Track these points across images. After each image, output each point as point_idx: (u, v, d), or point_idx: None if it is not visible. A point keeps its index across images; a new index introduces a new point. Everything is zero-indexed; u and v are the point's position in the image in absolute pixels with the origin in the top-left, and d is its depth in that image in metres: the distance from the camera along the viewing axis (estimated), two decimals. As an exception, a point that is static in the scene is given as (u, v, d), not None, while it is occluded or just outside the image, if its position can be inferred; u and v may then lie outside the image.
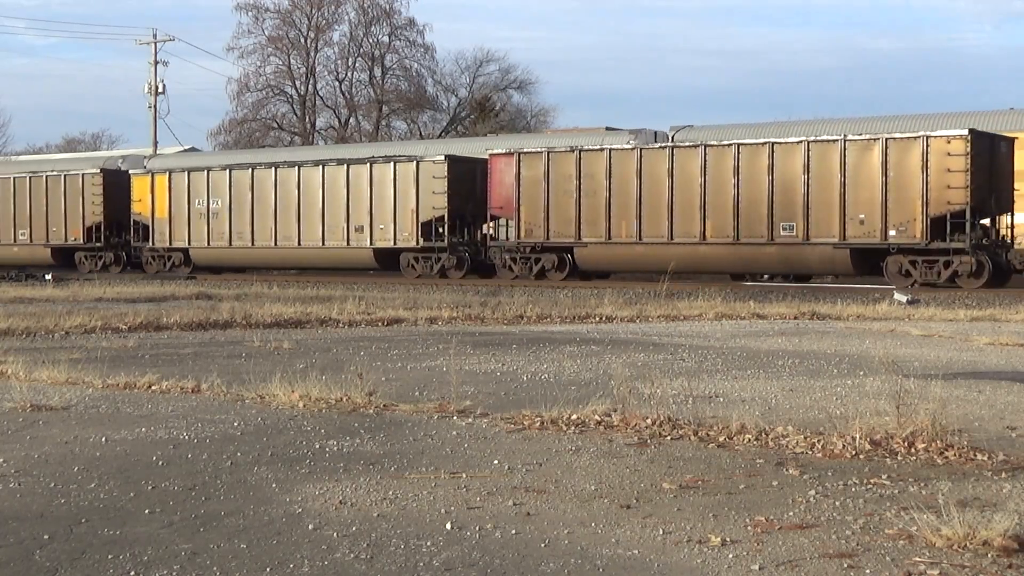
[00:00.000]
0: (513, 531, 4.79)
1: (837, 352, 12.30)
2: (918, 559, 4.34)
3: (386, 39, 70.92)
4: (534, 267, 32.06)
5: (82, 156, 59.46)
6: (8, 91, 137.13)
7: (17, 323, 14.64)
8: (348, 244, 35.03)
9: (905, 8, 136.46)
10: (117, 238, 40.54)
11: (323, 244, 35.57)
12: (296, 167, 36.63)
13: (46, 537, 4.72)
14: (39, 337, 13.88)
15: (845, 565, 4.29)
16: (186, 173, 38.67)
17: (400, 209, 33.97)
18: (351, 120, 71.72)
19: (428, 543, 4.61)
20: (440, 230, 33.48)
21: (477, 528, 4.83)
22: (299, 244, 36.14)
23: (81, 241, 40.69)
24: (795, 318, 17.83)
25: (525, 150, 32.35)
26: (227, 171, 37.77)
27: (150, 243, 39.02)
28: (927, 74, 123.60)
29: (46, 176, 41.74)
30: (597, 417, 7.28)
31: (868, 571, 4.23)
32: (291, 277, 34.76)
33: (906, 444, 6.33)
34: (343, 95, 71.77)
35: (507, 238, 32.94)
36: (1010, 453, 6.31)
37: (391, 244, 34.30)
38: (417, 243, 33.79)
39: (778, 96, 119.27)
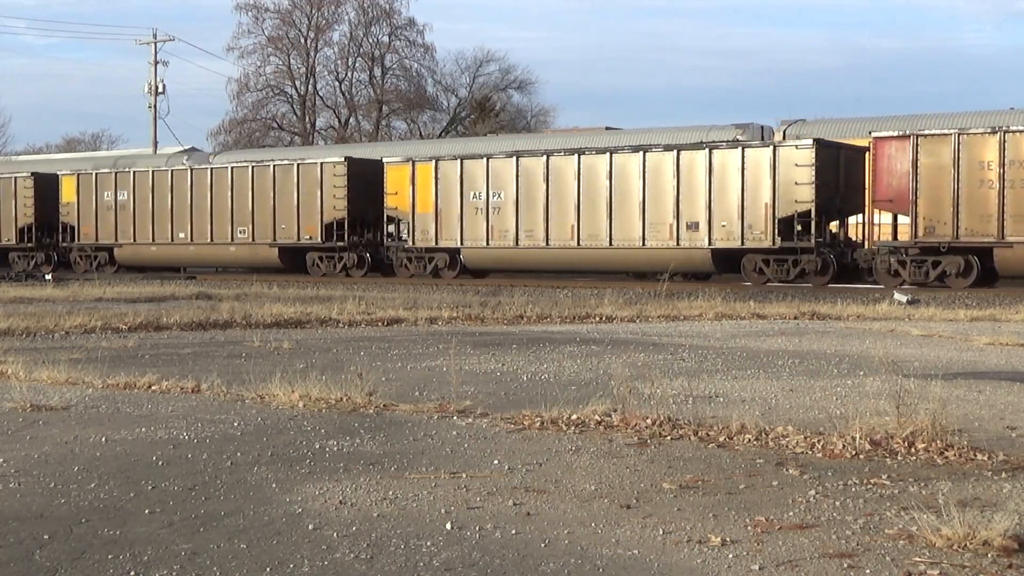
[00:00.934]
0: (513, 531, 4.79)
1: (837, 352, 12.30)
2: (918, 559, 4.34)
3: (386, 39, 70.97)
4: (932, 270, 26.65)
5: (84, 156, 59.40)
6: (8, 91, 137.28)
7: (17, 323, 14.64)
8: (678, 244, 29.41)
9: (906, 8, 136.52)
10: (360, 236, 35.45)
11: (642, 244, 29.95)
12: (608, 153, 30.89)
13: (46, 537, 4.72)
14: (39, 337, 13.88)
15: (845, 565, 4.29)
16: (458, 161, 33.09)
17: (749, 202, 28.54)
18: (351, 120, 71.73)
19: (428, 543, 4.61)
20: (799, 228, 28.17)
21: (477, 528, 4.83)
22: (610, 243, 30.44)
23: (318, 240, 35.35)
24: (795, 318, 17.82)
25: (924, 132, 26.79)
26: (514, 158, 32.25)
27: (410, 241, 33.75)
28: (928, 74, 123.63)
29: (273, 165, 36.68)
30: (597, 417, 7.28)
31: (868, 571, 4.23)
32: (289, 278, 34.55)
33: (906, 444, 6.33)
34: (343, 95, 71.80)
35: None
36: (1010, 453, 6.31)
37: (737, 244, 28.90)
38: (774, 243, 28.30)
39: (779, 96, 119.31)
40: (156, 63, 64.69)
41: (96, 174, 40.23)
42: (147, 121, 64.91)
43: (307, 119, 71.04)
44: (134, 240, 38.83)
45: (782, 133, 34.11)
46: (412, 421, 7.46)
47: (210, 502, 5.30)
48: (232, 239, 36.77)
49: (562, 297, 22.92)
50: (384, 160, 34.91)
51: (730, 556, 4.42)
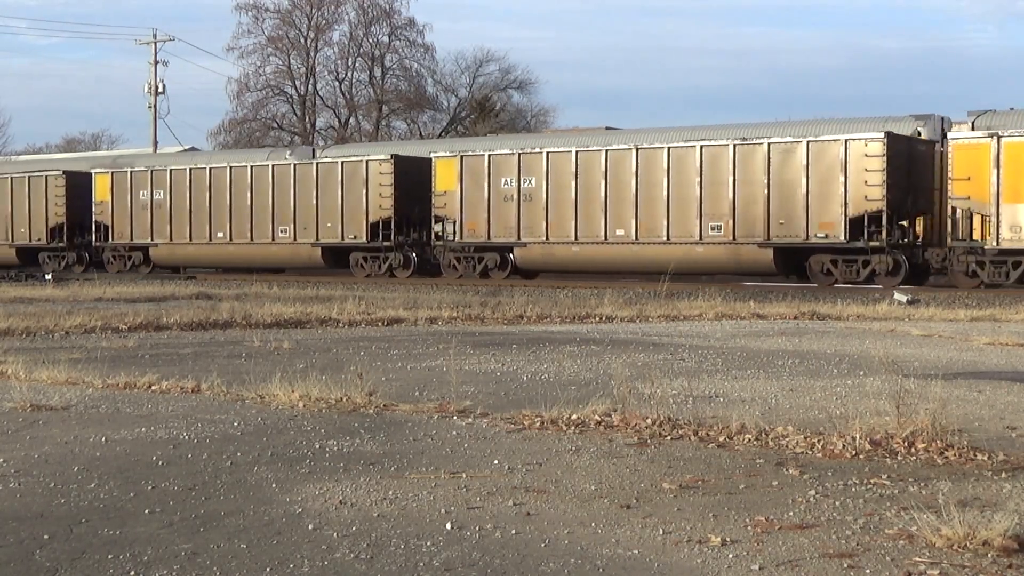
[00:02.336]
0: (513, 531, 4.79)
1: (837, 352, 12.30)
2: (918, 559, 4.34)
3: (386, 39, 70.95)
4: None
5: (83, 156, 59.38)
6: (9, 91, 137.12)
7: (17, 323, 14.64)
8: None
9: (909, 8, 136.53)
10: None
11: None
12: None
13: (46, 537, 4.72)
14: (39, 337, 13.88)
15: (845, 565, 4.29)
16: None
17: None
18: (351, 120, 71.73)
19: (428, 543, 4.61)
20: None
21: (477, 528, 4.83)
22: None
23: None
24: (795, 318, 17.82)
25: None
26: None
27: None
28: (930, 74, 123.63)
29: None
30: (597, 417, 7.28)
31: (868, 571, 4.23)
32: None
33: (906, 444, 6.33)
34: (343, 95, 71.79)
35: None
36: (1010, 453, 6.31)
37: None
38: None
39: (781, 96, 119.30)
40: (156, 63, 64.73)
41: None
42: (147, 121, 64.97)
43: (307, 119, 71.03)
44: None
45: (970, 124, 30.61)
46: (412, 421, 7.46)
47: (210, 502, 5.30)
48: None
49: (562, 297, 22.92)
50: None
51: (730, 556, 4.42)
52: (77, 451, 6.49)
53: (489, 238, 31.88)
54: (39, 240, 41.02)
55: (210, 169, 37.68)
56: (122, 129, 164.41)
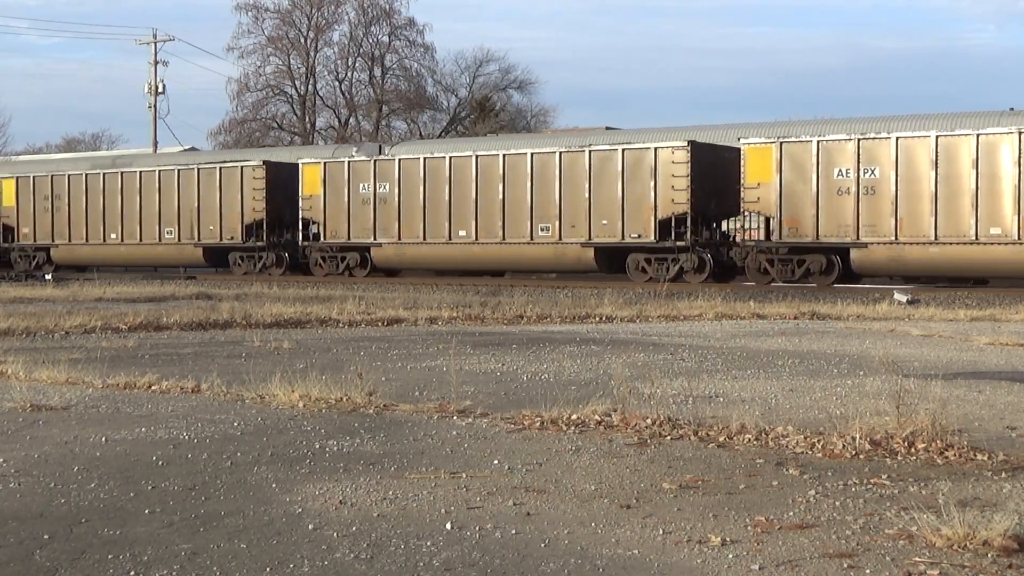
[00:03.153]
0: (513, 531, 4.79)
1: (837, 352, 12.30)
2: (918, 559, 4.34)
3: (386, 39, 70.96)
4: None
5: (83, 156, 59.39)
6: (10, 91, 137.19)
7: (17, 323, 14.64)
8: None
9: (909, 8, 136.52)
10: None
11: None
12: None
13: (46, 537, 4.72)
14: (39, 337, 13.88)
15: (845, 565, 4.29)
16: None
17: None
18: (351, 120, 71.74)
19: (428, 543, 4.61)
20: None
21: (477, 528, 4.83)
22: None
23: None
24: (795, 318, 17.82)
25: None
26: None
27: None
28: (931, 74, 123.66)
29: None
30: (597, 417, 7.28)
31: (868, 571, 4.23)
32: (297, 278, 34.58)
33: (906, 444, 6.33)
34: (343, 95, 71.80)
35: None
36: (1010, 453, 6.31)
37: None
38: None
39: (781, 96, 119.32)
40: (156, 63, 64.73)
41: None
42: (147, 121, 64.98)
43: (307, 119, 71.04)
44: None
45: None
46: (412, 421, 7.46)
47: (210, 502, 5.30)
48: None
49: (562, 297, 22.92)
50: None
51: (730, 556, 4.42)
52: (77, 451, 6.49)
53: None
54: (231, 238, 37.03)
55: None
56: (122, 129, 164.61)
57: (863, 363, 11.00)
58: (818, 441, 6.50)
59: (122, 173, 39.11)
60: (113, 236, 38.56)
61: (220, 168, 36.90)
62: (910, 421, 6.50)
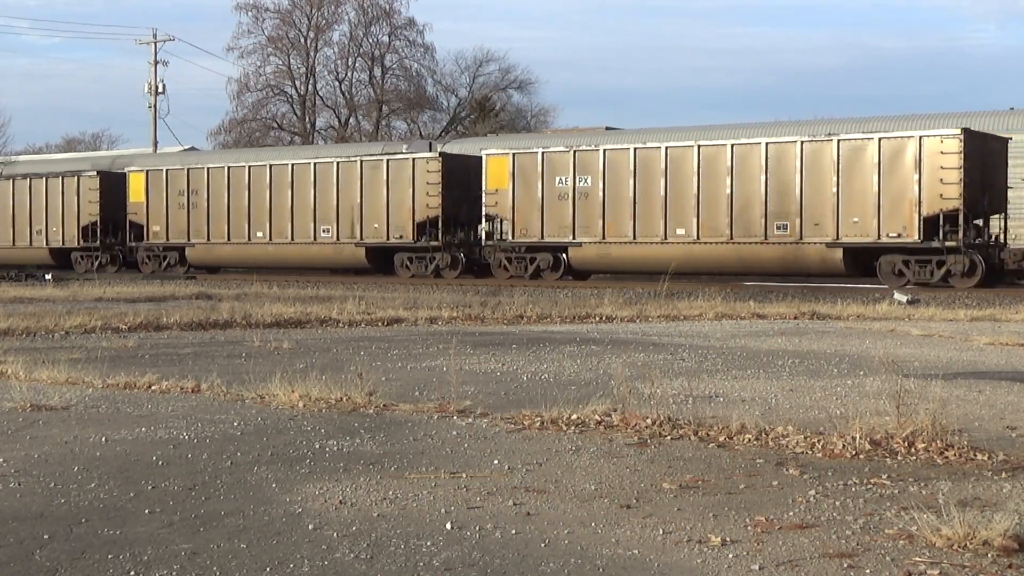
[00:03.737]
0: (513, 531, 4.79)
1: (837, 352, 12.30)
2: (918, 559, 4.34)
3: (386, 39, 70.95)
4: None
5: (83, 156, 59.34)
6: (11, 91, 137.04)
7: (17, 323, 14.64)
8: None
9: (909, 7, 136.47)
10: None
11: None
12: None
13: (46, 537, 4.72)
14: (39, 337, 13.88)
15: (845, 565, 4.29)
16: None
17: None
18: (351, 120, 71.75)
19: (428, 543, 4.61)
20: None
21: (477, 528, 4.83)
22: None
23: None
24: (795, 318, 17.83)
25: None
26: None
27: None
28: (932, 74, 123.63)
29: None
30: (597, 417, 7.28)
31: (868, 571, 4.23)
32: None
33: (906, 444, 6.33)
34: (343, 95, 71.79)
35: None
36: (1010, 453, 6.31)
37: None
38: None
39: (782, 96, 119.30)
40: (156, 63, 64.75)
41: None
42: (147, 121, 64.99)
43: (307, 119, 71.04)
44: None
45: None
46: (412, 421, 7.46)
47: (210, 502, 5.30)
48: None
49: (562, 297, 22.93)
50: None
51: (730, 556, 4.42)
52: (77, 451, 6.49)
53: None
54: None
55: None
56: (122, 129, 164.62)
57: (863, 363, 11.00)
58: (818, 441, 6.50)
59: (271, 165, 36.54)
60: (259, 234, 35.96)
61: (388, 160, 34.45)
62: (910, 421, 6.50)
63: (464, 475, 5.83)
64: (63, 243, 40.81)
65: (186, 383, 8.99)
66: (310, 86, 70.78)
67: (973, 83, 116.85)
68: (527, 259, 31.76)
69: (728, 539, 4.63)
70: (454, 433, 7.02)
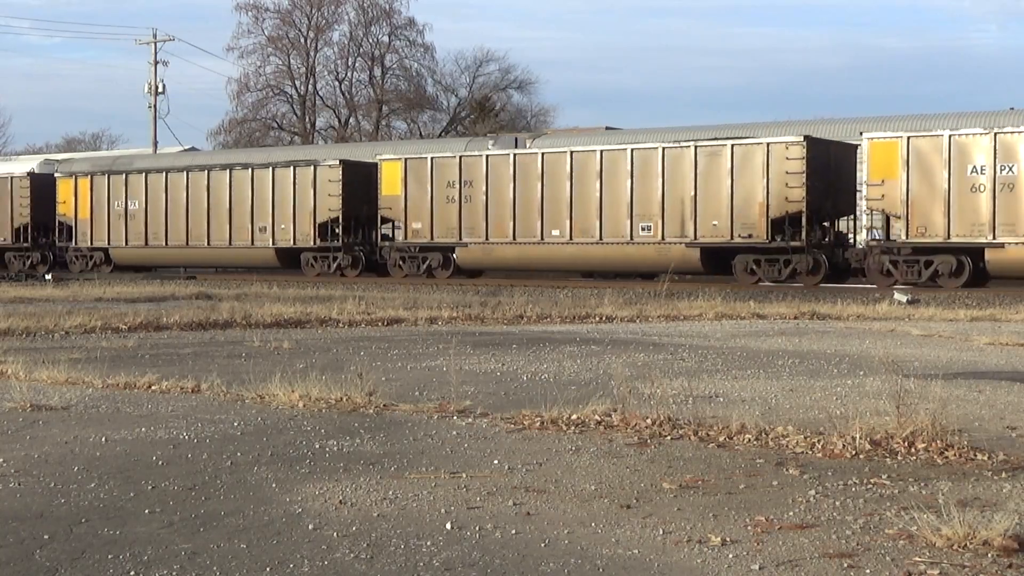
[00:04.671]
0: (513, 531, 4.79)
1: (837, 352, 12.30)
2: (918, 559, 4.34)
3: (386, 39, 71.01)
4: None
5: (83, 156, 59.35)
6: (12, 91, 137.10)
7: (17, 323, 14.64)
8: None
9: (910, 7, 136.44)
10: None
11: None
12: None
13: (46, 537, 4.72)
14: (39, 337, 13.88)
15: (845, 565, 4.29)
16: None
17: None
18: (351, 120, 71.74)
19: (428, 543, 4.61)
20: None
21: (477, 528, 4.83)
22: None
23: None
24: (795, 318, 17.83)
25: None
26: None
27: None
28: (933, 74, 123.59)
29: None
30: (597, 417, 7.28)
31: (868, 571, 4.23)
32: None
33: (906, 444, 6.33)
34: (343, 95, 71.83)
35: None
36: (1010, 453, 6.31)
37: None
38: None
39: (783, 95, 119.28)
40: (156, 63, 64.73)
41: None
42: (147, 121, 64.96)
43: (307, 119, 71.07)
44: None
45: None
46: (412, 421, 7.46)
47: (210, 502, 5.30)
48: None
49: (562, 297, 22.93)
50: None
51: (730, 556, 4.42)
52: (77, 451, 6.49)
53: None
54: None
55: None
56: (122, 129, 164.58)
57: (863, 363, 11.00)
58: (818, 441, 6.50)
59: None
60: (555, 232, 31.31)
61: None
62: (910, 421, 6.50)
63: (464, 475, 5.83)
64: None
65: (186, 383, 8.99)
66: (310, 86, 70.84)
67: (974, 83, 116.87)
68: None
69: (728, 539, 4.63)
70: (454, 433, 7.02)
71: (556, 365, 10.97)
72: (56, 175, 41.97)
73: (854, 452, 6.26)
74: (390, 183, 34.10)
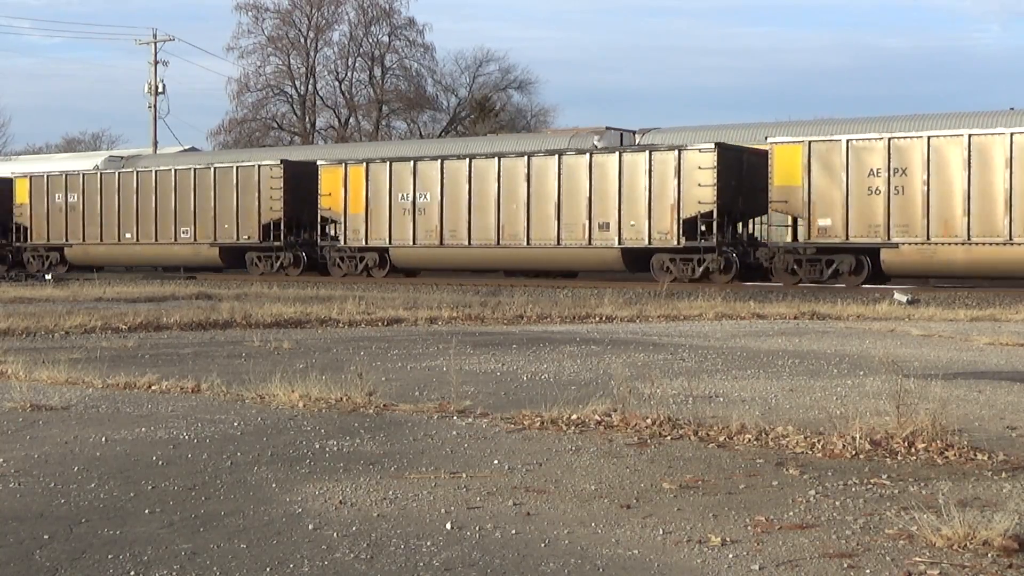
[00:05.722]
0: (513, 531, 4.79)
1: (837, 352, 12.30)
2: (918, 559, 4.34)
3: (386, 39, 71.00)
4: None
5: (84, 156, 59.30)
6: (13, 91, 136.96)
7: (17, 323, 14.64)
8: None
9: (912, 7, 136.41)
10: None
11: None
12: None
13: (46, 537, 4.72)
14: (39, 337, 13.88)
15: (845, 565, 4.29)
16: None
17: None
18: (351, 120, 71.74)
19: (428, 543, 4.61)
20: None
21: (477, 528, 4.83)
22: None
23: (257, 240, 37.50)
24: (795, 318, 17.83)
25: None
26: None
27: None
28: (934, 73, 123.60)
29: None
30: (597, 417, 7.28)
31: (868, 571, 4.23)
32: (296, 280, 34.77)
33: (906, 444, 6.33)
34: (343, 95, 71.82)
35: None
36: (1010, 453, 6.31)
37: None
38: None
39: (783, 95, 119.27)
40: (156, 63, 64.72)
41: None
42: (147, 121, 64.93)
43: (307, 119, 71.06)
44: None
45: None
46: (412, 421, 7.46)
47: (210, 502, 5.30)
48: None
49: (562, 297, 22.93)
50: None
51: (730, 556, 4.42)
52: (77, 451, 6.49)
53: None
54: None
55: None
56: (122, 129, 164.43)
57: (863, 363, 11.00)
58: (818, 441, 6.50)
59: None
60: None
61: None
62: (910, 421, 6.50)
63: (464, 475, 5.83)
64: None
65: (186, 383, 8.99)
66: (310, 86, 70.84)
67: (975, 83, 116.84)
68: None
69: (728, 539, 4.63)
70: (454, 433, 7.02)
71: (556, 365, 10.97)
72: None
73: (854, 452, 6.26)
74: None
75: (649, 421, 7.08)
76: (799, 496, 5.34)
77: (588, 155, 30.84)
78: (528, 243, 31.54)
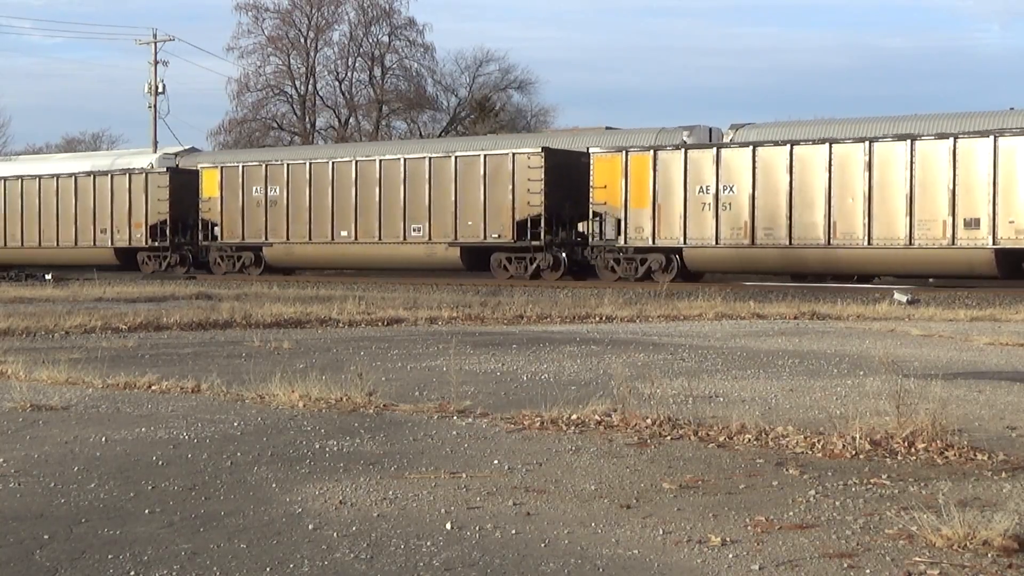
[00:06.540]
0: (513, 531, 4.79)
1: (837, 352, 12.30)
2: (918, 559, 4.34)
3: (386, 39, 70.91)
4: None
5: (84, 156, 59.27)
6: (13, 91, 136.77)
7: (17, 323, 14.64)
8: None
9: (913, 7, 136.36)
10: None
11: None
12: None
13: (46, 537, 4.72)
14: (39, 337, 13.88)
15: (845, 565, 4.29)
16: None
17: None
18: (351, 120, 71.74)
19: (428, 543, 4.61)
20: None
21: (477, 528, 4.83)
22: None
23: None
24: (795, 318, 17.83)
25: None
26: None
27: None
28: (935, 73, 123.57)
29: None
30: (597, 417, 7.28)
31: (868, 571, 4.23)
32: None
33: (906, 444, 6.33)
34: (343, 95, 71.77)
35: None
36: (1010, 453, 6.31)
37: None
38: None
39: (784, 95, 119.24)
40: (156, 63, 64.69)
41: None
42: (147, 121, 64.87)
43: (307, 119, 71.03)
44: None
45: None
46: (412, 421, 7.46)
47: (210, 502, 5.30)
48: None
49: (562, 297, 22.93)
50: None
51: (730, 556, 4.42)
52: (77, 451, 6.49)
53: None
54: None
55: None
56: (122, 129, 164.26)
57: (863, 363, 11.01)
58: (818, 441, 6.50)
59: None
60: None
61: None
62: (910, 421, 6.50)
63: (464, 475, 5.83)
64: None
65: (186, 383, 8.99)
66: (310, 86, 70.77)
67: (976, 83, 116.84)
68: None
69: (728, 539, 4.63)
70: (454, 433, 7.02)
71: (556, 365, 10.97)
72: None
73: (854, 452, 6.26)
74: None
75: (649, 421, 7.08)
76: (799, 496, 5.34)
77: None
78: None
